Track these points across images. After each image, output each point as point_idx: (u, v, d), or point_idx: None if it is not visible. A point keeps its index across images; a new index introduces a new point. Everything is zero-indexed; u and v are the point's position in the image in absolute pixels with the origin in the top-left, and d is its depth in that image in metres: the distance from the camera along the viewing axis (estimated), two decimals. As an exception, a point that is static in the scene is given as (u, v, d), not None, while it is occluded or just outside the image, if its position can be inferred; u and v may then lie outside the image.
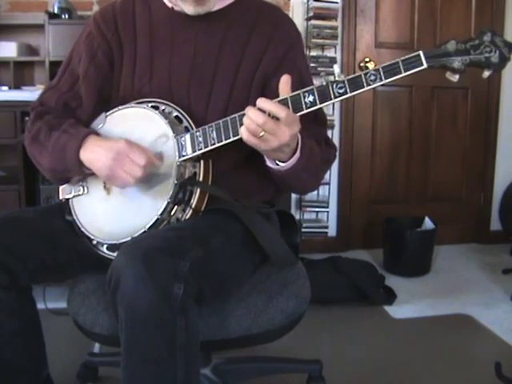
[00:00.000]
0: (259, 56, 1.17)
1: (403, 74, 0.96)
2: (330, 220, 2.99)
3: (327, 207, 2.92)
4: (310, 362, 1.61)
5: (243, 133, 0.98)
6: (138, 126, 1.13)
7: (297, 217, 2.87)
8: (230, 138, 1.04)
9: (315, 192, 2.87)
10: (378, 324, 2.14)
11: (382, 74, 0.96)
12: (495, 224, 3.25)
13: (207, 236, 1.03)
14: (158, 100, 1.15)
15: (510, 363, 1.66)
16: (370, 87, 0.97)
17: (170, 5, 1.20)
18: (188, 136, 1.08)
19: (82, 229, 1.16)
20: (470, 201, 3.24)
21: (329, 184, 2.91)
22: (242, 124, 1.03)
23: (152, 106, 1.14)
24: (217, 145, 1.06)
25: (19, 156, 2.23)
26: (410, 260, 2.70)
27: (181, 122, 1.13)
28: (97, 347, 1.78)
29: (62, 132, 1.13)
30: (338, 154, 1.27)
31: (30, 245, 1.10)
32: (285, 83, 1.00)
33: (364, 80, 0.97)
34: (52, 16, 2.43)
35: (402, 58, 0.96)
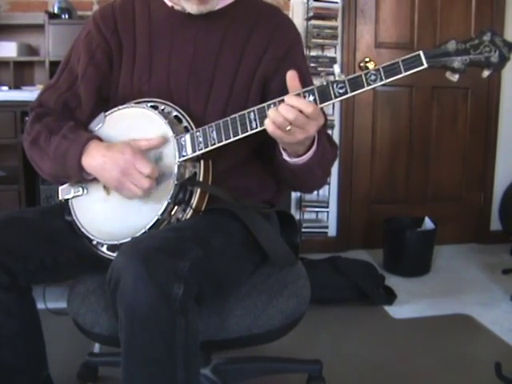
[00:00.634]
0: (259, 56, 1.17)
1: (403, 74, 0.96)
2: (330, 220, 2.99)
3: (327, 207, 2.92)
4: (310, 362, 1.61)
5: (268, 125, 0.98)
6: (138, 125, 1.13)
7: (297, 217, 2.87)
8: (230, 138, 1.04)
9: (315, 192, 2.87)
10: (377, 324, 2.14)
11: (382, 73, 0.96)
12: (495, 224, 3.25)
13: (207, 236, 1.03)
14: (158, 100, 1.15)
15: (510, 363, 1.66)
16: (370, 87, 0.97)
17: (170, 4, 1.20)
18: (188, 136, 1.08)
19: (82, 229, 1.16)
20: (469, 201, 3.24)
21: (329, 184, 2.91)
22: (242, 124, 1.03)
23: (151, 106, 1.14)
24: (217, 145, 1.06)
25: (19, 156, 2.23)
26: (410, 260, 2.70)
27: (180, 121, 1.13)
28: (97, 347, 1.78)
29: (62, 137, 1.12)
30: (338, 153, 1.27)
31: (29, 245, 1.10)
32: (292, 78, 1.00)
33: (364, 80, 0.97)
34: (52, 16, 2.43)
35: (402, 57, 0.96)
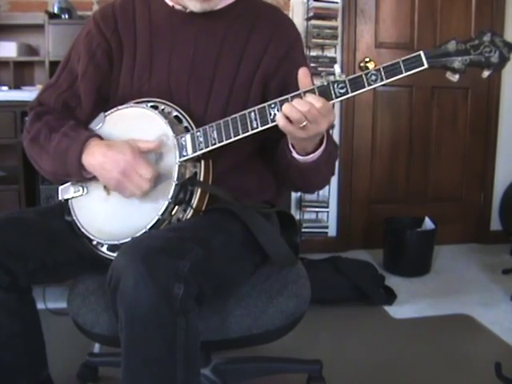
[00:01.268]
0: (259, 56, 1.17)
1: (404, 74, 0.96)
2: (329, 220, 2.99)
3: (327, 207, 2.92)
4: (310, 362, 1.61)
5: (279, 120, 0.98)
6: (138, 126, 1.13)
7: (297, 217, 2.87)
8: (230, 138, 1.04)
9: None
10: (378, 324, 2.14)
11: (382, 74, 0.96)
12: (495, 224, 3.25)
13: (207, 236, 1.03)
14: (158, 100, 1.15)
15: (510, 363, 1.66)
16: (370, 87, 0.97)
17: (170, 3, 1.20)
18: (188, 136, 1.08)
19: (82, 229, 1.16)
20: (469, 201, 3.24)
21: (329, 184, 2.90)
22: (243, 124, 1.03)
23: (151, 106, 1.14)
24: (217, 145, 1.06)
25: (19, 156, 2.23)
26: (409, 260, 2.70)
27: (180, 121, 1.13)
28: (97, 347, 1.78)
29: (62, 135, 1.12)
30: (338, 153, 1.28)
31: (30, 245, 1.09)
32: (304, 76, 1.00)
33: (365, 80, 0.97)
34: (52, 16, 2.43)
35: (403, 58, 0.96)
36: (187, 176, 1.09)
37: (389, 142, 3.08)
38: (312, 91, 0.99)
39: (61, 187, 1.22)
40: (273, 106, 1.01)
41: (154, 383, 0.92)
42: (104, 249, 1.15)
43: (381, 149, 3.07)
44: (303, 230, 2.85)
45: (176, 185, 1.06)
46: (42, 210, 1.29)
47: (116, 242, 1.09)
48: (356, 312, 2.24)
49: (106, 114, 1.18)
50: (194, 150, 1.07)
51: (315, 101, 0.97)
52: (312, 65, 2.71)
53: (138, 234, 1.06)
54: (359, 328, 2.10)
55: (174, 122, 1.12)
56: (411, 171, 3.12)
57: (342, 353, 1.87)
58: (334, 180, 2.99)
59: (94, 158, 1.08)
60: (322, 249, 2.89)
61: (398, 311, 2.24)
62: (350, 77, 0.97)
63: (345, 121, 2.96)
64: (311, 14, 2.73)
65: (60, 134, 1.13)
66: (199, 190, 1.09)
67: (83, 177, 1.13)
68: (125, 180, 1.06)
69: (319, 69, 2.69)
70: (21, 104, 2.22)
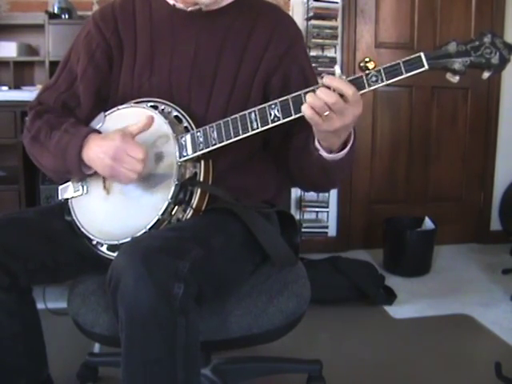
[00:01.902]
0: (260, 55, 1.17)
1: (404, 76, 0.96)
2: (329, 220, 2.99)
3: (327, 207, 2.92)
4: (310, 362, 1.61)
5: (306, 110, 0.95)
6: (138, 126, 1.13)
7: (297, 217, 2.87)
8: (231, 138, 1.04)
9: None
10: (377, 324, 2.14)
11: (383, 75, 0.96)
12: (495, 224, 3.25)
13: (207, 236, 1.03)
14: (158, 100, 1.15)
15: (510, 363, 1.66)
16: (371, 88, 0.97)
17: (171, 2, 1.20)
18: (188, 136, 1.08)
19: (82, 229, 1.16)
20: (469, 201, 3.24)
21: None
22: (243, 124, 1.03)
23: (151, 106, 1.14)
24: (218, 145, 1.06)
25: (19, 156, 2.23)
26: (410, 260, 2.70)
27: (180, 121, 1.13)
28: (97, 347, 1.78)
29: (63, 132, 1.12)
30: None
31: (29, 245, 1.10)
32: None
33: (365, 81, 0.96)
34: (52, 16, 2.43)
35: (403, 59, 0.96)
36: (187, 176, 1.09)
37: (389, 142, 3.08)
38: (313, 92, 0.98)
39: (61, 187, 1.23)
40: (273, 106, 1.01)
41: (154, 383, 0.92)
42: (104, 249, 1.15)
43: (381, 149, 3.07)
44: (303, 229, 2.85)
45: (176, 185, 1.06)
46: (42, 209, 1.30)
47: (116, 242, 1.09)
48: (356, 312, 2.24)
49: (106, 113, 1.18)
50: (194, 150, 1.07)
51: (345, 87, 0.93)
52: (312, 65, 2.70)
53: (137, 234, 1.06)
54: (359, 328, 2.10)
55: (174, 122, 1.12)
56: (411, 171, 3.12)
57: (341, 353, 1.87)
58: (334, 180, 2.99)
59: (91, 150, 1.08)
60: (322, 249, 2.89)
61: (397, 311, 2.24)
62: (351, 78, 0.97)
63: (345, 121, 2.95)
64: (311, 13, 2.73)
65: (61, 131, 1.13)
66: (199, 190, 1.09)
67: (83, 173, 1.13)
68: (117, 165, 1.05)
69: (319, 69, 2.69)
70: (21, 104, 2.22)
